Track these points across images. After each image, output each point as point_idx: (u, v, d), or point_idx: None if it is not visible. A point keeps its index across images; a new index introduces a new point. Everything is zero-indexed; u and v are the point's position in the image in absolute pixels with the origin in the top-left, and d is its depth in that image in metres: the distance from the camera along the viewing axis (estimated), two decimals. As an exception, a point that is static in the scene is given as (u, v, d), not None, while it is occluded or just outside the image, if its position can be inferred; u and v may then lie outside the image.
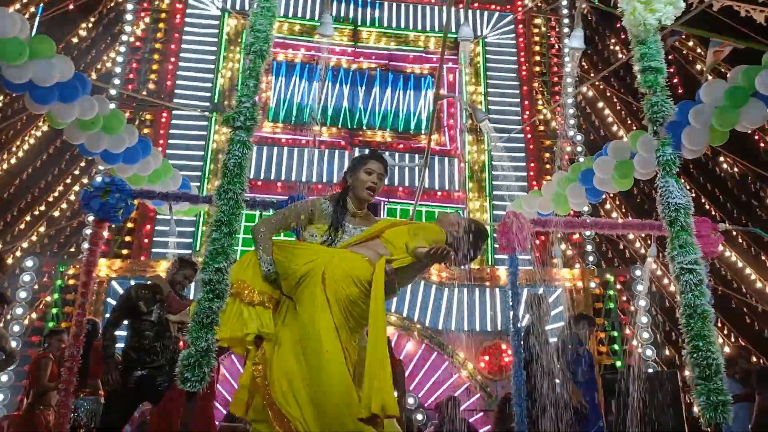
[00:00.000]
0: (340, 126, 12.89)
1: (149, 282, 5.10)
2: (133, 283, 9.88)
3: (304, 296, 2.95)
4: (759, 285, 12.59)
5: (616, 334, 10.38)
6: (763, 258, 12.79)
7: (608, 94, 14.89)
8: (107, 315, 9.69)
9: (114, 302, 9.77)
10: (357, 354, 2.95)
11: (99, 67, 13.47)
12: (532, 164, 12.85)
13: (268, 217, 3.22)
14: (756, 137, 12.65)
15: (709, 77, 12.24)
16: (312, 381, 2.78)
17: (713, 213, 13.32)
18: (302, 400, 2.74)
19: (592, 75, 14.50)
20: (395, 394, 5.69)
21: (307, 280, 2.96)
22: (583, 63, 14.89)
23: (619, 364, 10.12)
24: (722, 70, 12.20)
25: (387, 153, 12.41)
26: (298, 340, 2.90)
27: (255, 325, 2.90)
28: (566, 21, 13.90)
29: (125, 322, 4.98)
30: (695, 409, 2.58)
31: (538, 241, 11.62)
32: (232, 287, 2.91)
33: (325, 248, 3.15)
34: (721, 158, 13.24)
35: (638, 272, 10.36)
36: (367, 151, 12.19)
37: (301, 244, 3.21)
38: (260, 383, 2.85)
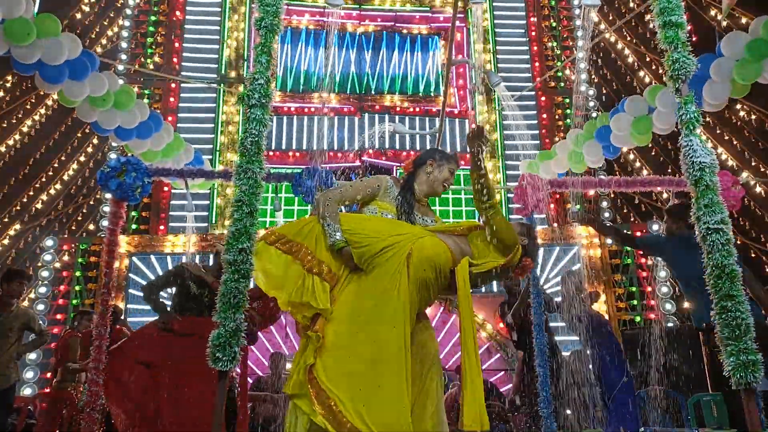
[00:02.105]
0: (348, 92, 12.77)
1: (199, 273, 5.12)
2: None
3: (384, 266, 2.92)
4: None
5: (634, 289, 10.38)
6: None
7: (620, 46, 14.60)
8: (131, 291, 9.85)
9: (134, 277, 9.94)
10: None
11: (104, 42, 13.39)
12: (545, 121, 12.71)
13: (334, 188, 3.22)
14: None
15: (724, 23, 11.99)
16: (365, 357, 2.75)
17: (730, 163, 13.14)
18: (345, 379, 2.71)
19: (603, 25, 14.21)
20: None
21: (391, 252, 2.92)
22: (595, 14, 14.55)
23: (638, 319, 10.15)
24: (737, 15, 11.92)
25: (397, 118, 12.32)
26: (357, 312, 2.87)
27: (310, 296, 2.87)
28: (575, -29, 13.56)
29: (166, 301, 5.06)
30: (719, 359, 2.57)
31: (552, 202, 11.58)
32: (293, 246, 2.95)
33: (415, 226, 3.17)
34: (738, 106, 13.00)
35: (655, 227, 10.29)
36: (386, 118, 12.23)
37: (383, 217, 3.19)
38: (305, 359, 2.82)
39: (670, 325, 9.35)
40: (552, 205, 11.76)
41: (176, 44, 12.45)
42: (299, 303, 2.89)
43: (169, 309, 4.99)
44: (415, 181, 3.35)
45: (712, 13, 12.81)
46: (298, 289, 2.89)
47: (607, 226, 6.26)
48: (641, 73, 14.21)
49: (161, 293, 5.06)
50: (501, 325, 9.89)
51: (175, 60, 12.33)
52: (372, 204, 3.24)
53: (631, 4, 13.95)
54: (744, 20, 12.23)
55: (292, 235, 3.02)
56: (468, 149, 3.15)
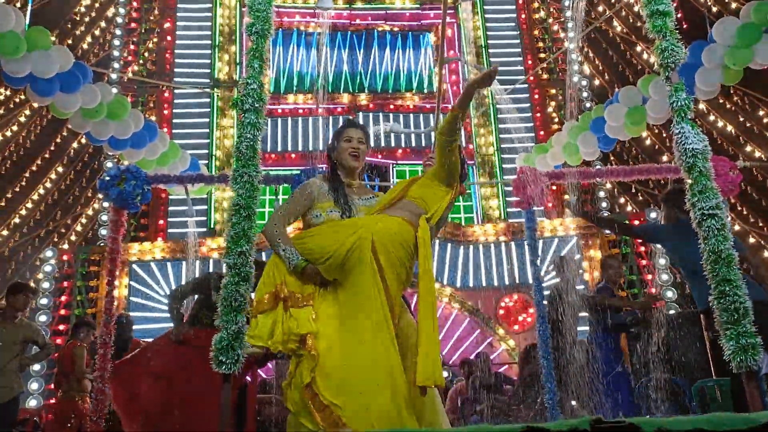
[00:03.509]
0: (342, 91, 12.79)
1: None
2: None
3: (356, 268, 2.89)
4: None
5: (634, 277, 10.41)
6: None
7: (611, 35, 14.62)
8: (132, 299, 9.86)
9: (135, 285, 9.95)
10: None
11: (97, 51, 13.39)
12: (538, 114, 12.74)
13: (274, 214, 3.21)
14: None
15: (714, 9, 12.01)
16: (361, 362, 2.76)
17: (726, 147, 13.16)
18: (349, 389, 2.71)
19: (593, 16, 14.23)
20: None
21: (355, 252, 2.90)
22: (585, 5, 14.56)
23: (639, 307, 10.16)
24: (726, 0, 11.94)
25: (391, 115, 12.34)
26: (341, 320, 2.88)
27: (294, 327, 2.86)
28: (564, -36, 13.58)
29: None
30: (719, 344, 2.58)
31: (550, 193, 11.62)
32: (272, 296, 2.91)
33: (364, 217, 3.16)
34: (731, 90, 13.00)
35: (653, 215, 10.31)
36: (380, 116, 12.25)
37: (333, 222, 3.16)
38: (300, 378, 2.80)
39: (671, 312, 9.36)
40: (550, 197, 11.78)
41: (168, 51, 12.45)
42: (286, 339, 2.87)
43: (186, 319, 4.99)
44: (337, 170, 3.39)
45: (702, -1, 12.83)
46: (282, 330, 2.87)
47: (603, 218, 6.26)
48: (634, 61, 14.24)
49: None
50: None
51: (167, 67, 12.34)
52: (314, 209, 3.24)
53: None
54: (734, 5, 12.25)
55: (267, 289, 2.95)
56: (468, 84, 3.18)
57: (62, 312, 10.08)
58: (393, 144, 12.34)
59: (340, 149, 3.37)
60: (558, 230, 10.70)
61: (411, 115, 12.58)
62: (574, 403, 5.92)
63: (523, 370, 7.27)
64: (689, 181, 2.71)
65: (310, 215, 3.24)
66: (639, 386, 6.64)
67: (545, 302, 5.79)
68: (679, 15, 12.97)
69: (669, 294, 9.91)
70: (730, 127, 13.21)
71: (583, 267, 10.36)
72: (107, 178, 5.11)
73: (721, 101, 13.03)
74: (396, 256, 2.94)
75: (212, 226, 11.16)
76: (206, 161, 11.46)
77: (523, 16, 13.49)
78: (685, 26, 12.11)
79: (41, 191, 12.90)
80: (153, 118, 11.22)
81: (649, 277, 10.40)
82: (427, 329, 2.80)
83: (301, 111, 12.48)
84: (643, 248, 10.65)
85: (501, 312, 10.14)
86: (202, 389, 4.46)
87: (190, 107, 12.14)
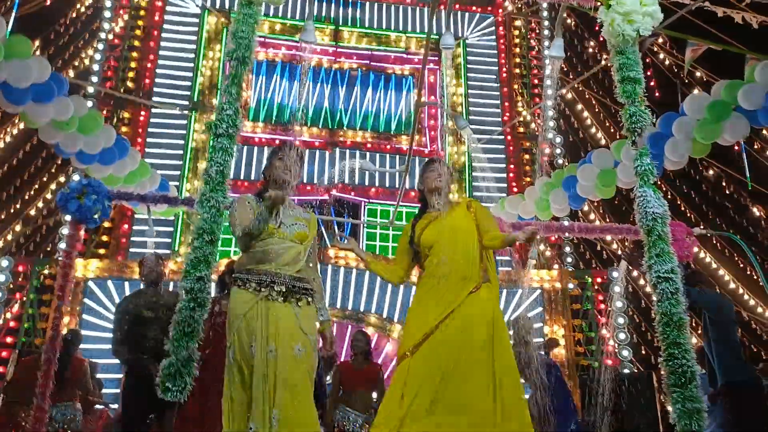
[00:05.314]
0: (320, 126, 12.86)
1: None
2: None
3: None
4: (732, 286, 12.86)
5: (593, 334, 10.49)
6: (737, 259, 13.02)
7: (587, 96, 15.01)
8: (85, 317, 9.61)
9: (90, 303, 9.70)
10: None
11: (77, 64, 13.30)
12: (512, 166, 12.94)
13: (235, 220, 3.22)
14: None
15: (689, 82, 12.44)
16: None
17: (689, 215, 13.50)
18: None
19: (571, 77, 14.62)
20: (374, 396, 5.73)
21: None
22: (563, 65, 14.99)
23: (596, 364, 10.23)
24: (699, 74, 12.38)
25: (368, 154, 12.43)
26: None
27: None
28: (546, 23, 14.02)
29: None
30: (669, 408, 2.61)
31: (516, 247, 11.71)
32: None
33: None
34: (697, 161, 13.39)
35: (615, 273, 10.47)
36: (357, 154, 12.34)
37: None
38: None
39: (626, 371, 9.44)
40: (516, 248, 11.89)
41: (149, 70, 12.42)
42: None
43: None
44: (269, 186, 3.49)
45: (676, 69, 13.28)
46: None
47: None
48: (607, 123, 14.62)
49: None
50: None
51: (147, 85, 12.29)
52: None
53: (598, 57, 14.41)
54: (704, 77, 12.69)
55: None
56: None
57: (11, 324, 9.76)
58: (366, 183, 12.40)
59: (275, 166, 3.49)
60: (523, 280, 10.76)
61: (387, 155, 12.68)
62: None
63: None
64: (647, 243, 2.77)
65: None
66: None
67: None
68: (652, 83, 13.46)
69: (625, 353, 10.01)
70: (695, 196, 13.58)
71: (543, 320, 10.41)
72: (67, 191, 5.03)
73: (686, 169, 13.39)
74: None
75: (176, 249, 11.00)
76: (177, 183, 11.36)
77: (505, 69, 13.80)
78: (657, 95, 12.52)
79: (3, 198, 12.63)
80: (128, 134, 11.13)
81: (606, 334, 10.49)
82: None
83: (277, 141, 12.49)
84: (603, 305, 10.78)
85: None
86: None
87: (166, 127, 12.07)
